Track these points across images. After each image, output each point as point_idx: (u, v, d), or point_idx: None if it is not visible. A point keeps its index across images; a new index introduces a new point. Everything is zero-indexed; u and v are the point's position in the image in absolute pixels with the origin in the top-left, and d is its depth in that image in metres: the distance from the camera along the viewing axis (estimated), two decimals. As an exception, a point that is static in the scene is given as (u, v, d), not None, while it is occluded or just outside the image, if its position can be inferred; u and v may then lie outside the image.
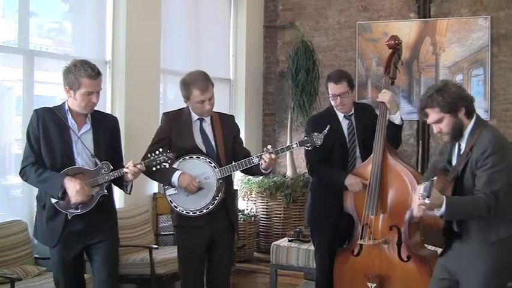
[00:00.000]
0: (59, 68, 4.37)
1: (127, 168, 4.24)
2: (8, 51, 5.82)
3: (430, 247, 4.83)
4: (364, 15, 9.02)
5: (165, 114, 4.77)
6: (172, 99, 7.89)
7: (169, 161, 4.33)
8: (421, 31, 8.60)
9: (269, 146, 4.52)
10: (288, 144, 4.80)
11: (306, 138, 4.55)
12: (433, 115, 3.80)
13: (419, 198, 3.56)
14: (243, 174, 6.18)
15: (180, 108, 4.79)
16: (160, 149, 4.33)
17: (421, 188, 3.56)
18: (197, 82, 4.55)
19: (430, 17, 8.59)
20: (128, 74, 6.73)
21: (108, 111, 6.50)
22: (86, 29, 6.60)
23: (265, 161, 4.44)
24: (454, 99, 3.76)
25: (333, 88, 5.03)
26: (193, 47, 8.30)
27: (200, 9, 8.42)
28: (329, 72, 5.31)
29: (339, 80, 5.04)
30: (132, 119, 6.66)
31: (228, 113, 5.13)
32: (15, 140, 6.02)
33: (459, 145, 3.89)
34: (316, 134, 4.51)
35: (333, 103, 5.09)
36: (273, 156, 4.44)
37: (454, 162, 3.93)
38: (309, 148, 4.55)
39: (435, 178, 3.62)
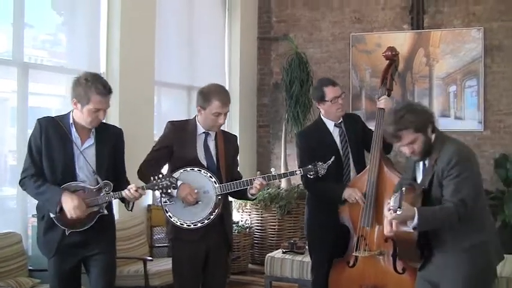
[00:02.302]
0: (54, 80, 4.35)
1: (128, 191, 4.19)
2: (2, 64, 5.81)
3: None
4: (358, 26, 9.05)
5: (170, 122, 4.74)
6: (166, 111, 7.91)
7: (172, 186, 4.29)
8: (415, 42, 8.64)
9: (272, 169, 4.62)
10: (291, 169, 4.85)
11: (310, 166, 4.60)
12: (407, 136, 3.81)
13: (390, 211, 3.62)
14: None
15: (186, 119, 4.80)
16: (164, 173, 4.30)
17: (392, 200, 3.60)
18: (220, 94, 4.56)
19: (423, 29, 8.63)
20: (122, 85, 6.72)
21: (102, 123, 6.49)
22: (80, 40, 6.61)
23: (256, 187, 4.51)
24: (424, 118, 3.83)
25: (334, 90, 5.06)
26: (188, 59, 8.32)
27: (194, 22, 8.44)
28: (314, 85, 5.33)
29: (335, 83, 5.14)
30: (126, 130, 6.55)
31: (231, 132, 5.14)
32: (10, 152, 6.01)
33: (423, 160, 3.95)
34: (320, 163, 4.60)
35: (333, 107, 5.05)
36: (264, 182, 4.51)
37: (419, 177, 4.01)
38: (312, 177, 4.62)
39: (404, 189, 3.68)
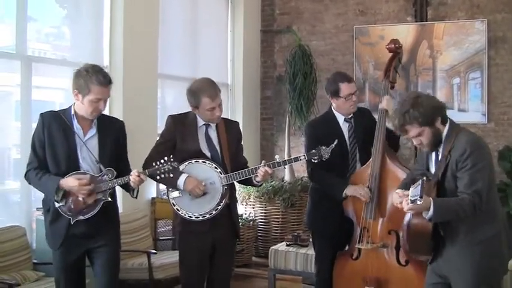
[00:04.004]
0: (57, 73, 4.38)
1: (131, 176, 4.23)
2: (6, 57, 5.81)
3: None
4: (361, 19, 9.02)
5: (170, 116, 4.77)
6: (170, 103, 7.91)
7: (173, 171, 4.31)
8: (418, 34, 8.61)
9: (277, 156, 4.62)
10: (296, 155, 4.82)
11: (314, 151, 4.60)
12: (413, 130, 3.85)
13: (408, 202, 3.64)
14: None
15: (186, 112, 4.79)
16: (166, 158, 4.30)
17: (412, 191, 3.61)
18: (206, 90, 4.55)
19: (427, 21, 8.60)
20: (125, 78, 6.73)
21: (106, 116, 6.50)
22: (84, 34, 6.62)
23: (261, 174, 4.52)
24: (430, 111, 3.82)
25: (348, 87, 5.03)
26: (191, 52, 8.32)
27: (198, 14, 8.44)
28: (327, 76, 5.31)
29: (350, 79, 5.11)
30: (130, 123, 6.57)
31: (232, 119, 5.13)
32: (14, 145, 6.02)
33: (436, 151, 3.95)
34: (324, 147, 4.58)
35: (347, 104, 5.03)
36: (270, 171, 4.51)
37: (432, 168, 4.01)
38: (316, 161, 4.60)
39: (425, 178, 3.67)
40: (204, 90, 4.55)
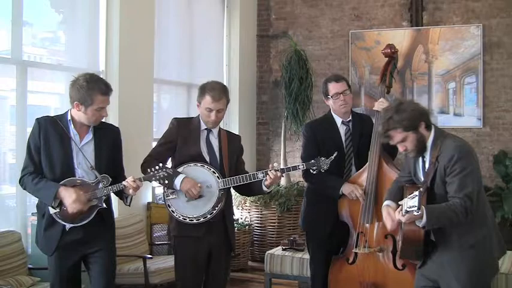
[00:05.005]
0: (53, 78, 4.37)
1: (126, 182, 4.23)
2: (1, 62, 5.80)
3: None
4: (357, 24, 9.05)
5: (175, 118, 4.79)
6: (165, 108, 7.91)
7: (168, 177, 4.32)
8: (414, 39, 8.64)
9: (275, 164, 4.62)
10: (294, 164, 4.78)
11: (313, 161, 4.61)
12: (397, 136, 3.91)
13: (403, 213, 3.67)
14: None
15: (191, 117, 4.85)
16: (160, 164, 4.32)
17: (408, 202, 3.64)
18: (213, 90, 4.59)
19: (422, 26, 8.63)
20: (121, 83, 6.72)
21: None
22: (80, 39, 6.61)
23: (271, 177, 4.50)
24: (414, 116, 3.88)
25: (335, 86, 5.04)
26: (187, 57, 8.32)
27: (194, 19, 8.45)
28: (323, 81, 5.34)
29: (339, 79, 5.11)
30: (125, 128, 6.59)
31: (234, 132, 5.15)
32: (9, 150, 6.01)
33: (423, 158, 4.00)
34: (323, 158, 4.60)
35: (336, 104, 5.04)
36: (279, 173, 4.51)
37: (420, 175, 4.05)
38: (314, 172, 4.62)
39: (421, 189, 3.70)
40: (210, 89, 4.60)
